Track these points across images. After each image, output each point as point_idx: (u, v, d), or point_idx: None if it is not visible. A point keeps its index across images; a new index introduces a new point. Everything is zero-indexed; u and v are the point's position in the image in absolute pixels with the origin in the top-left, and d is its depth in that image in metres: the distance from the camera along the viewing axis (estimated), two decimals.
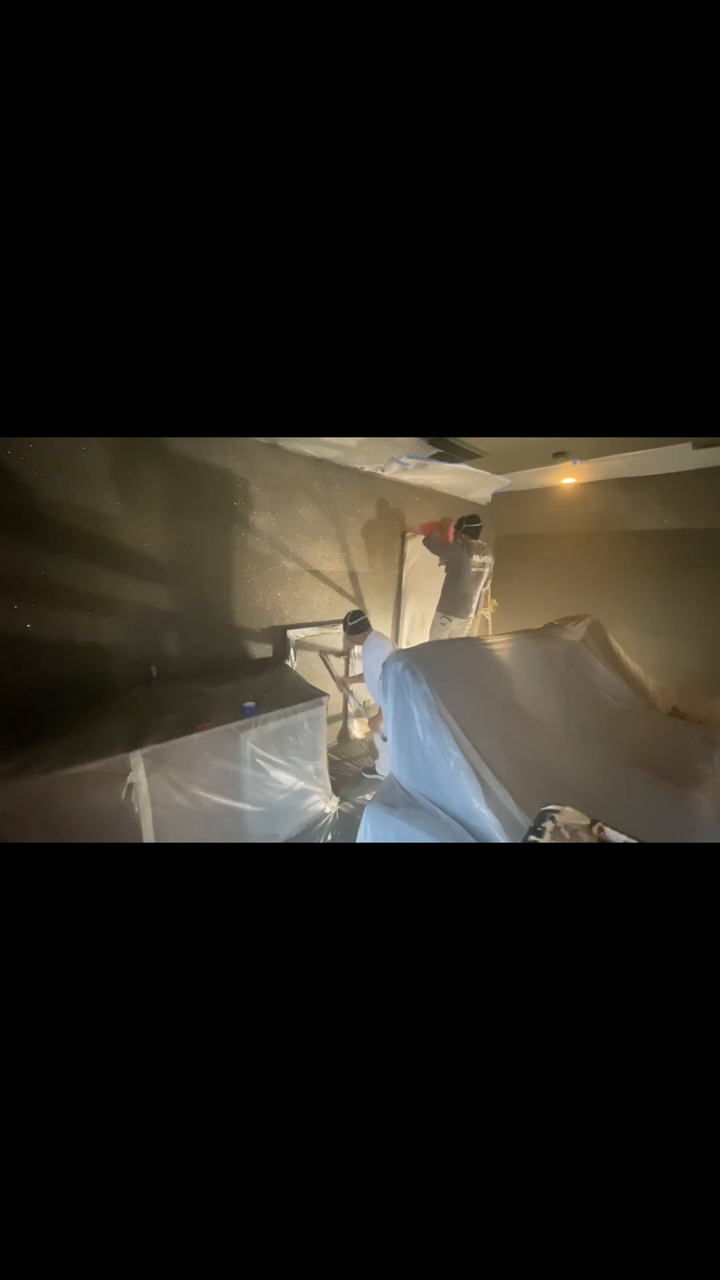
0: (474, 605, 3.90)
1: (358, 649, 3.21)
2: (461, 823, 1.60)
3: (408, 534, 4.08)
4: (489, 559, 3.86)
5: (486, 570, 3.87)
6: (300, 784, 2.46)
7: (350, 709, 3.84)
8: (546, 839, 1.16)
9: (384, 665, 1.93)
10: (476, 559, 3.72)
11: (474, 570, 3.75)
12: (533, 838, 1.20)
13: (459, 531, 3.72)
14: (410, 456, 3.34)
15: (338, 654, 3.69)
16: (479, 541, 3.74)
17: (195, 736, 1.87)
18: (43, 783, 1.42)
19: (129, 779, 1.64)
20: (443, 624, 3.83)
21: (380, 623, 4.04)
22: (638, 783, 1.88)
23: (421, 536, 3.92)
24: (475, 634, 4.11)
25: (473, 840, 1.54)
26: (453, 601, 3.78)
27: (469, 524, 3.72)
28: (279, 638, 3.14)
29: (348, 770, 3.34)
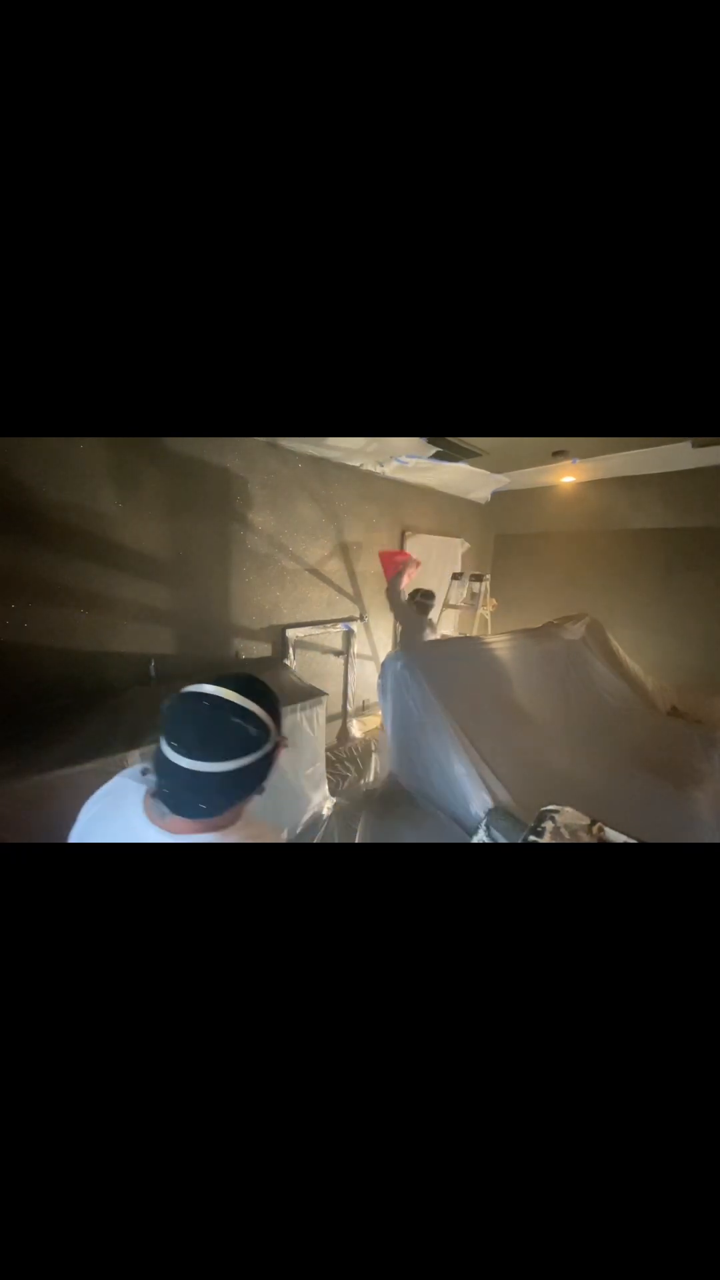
0: None
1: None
2: (461, 823, 1.60)
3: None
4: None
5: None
6: (299, 784, 2.46)
7: (350, 708, 3.81)
8: (546, 839, 1.16)
9: (383, 665, 1.93)
10: (429, 634, 3.25)
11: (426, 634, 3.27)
12: (533, 838, 1.20)
13: (415, 604, 3.23)
14: (410, 456, 3.34)
15: (336, 654, 3.69)
16: (431, 616, 3.27)
17: None
18: (41, 783, 1.42)
19: None
20: None
21: (380, 623, 4.04)
22: (637, 782, 1.88)
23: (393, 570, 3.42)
24: (475, 634, 4.11)
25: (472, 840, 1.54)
26: None
27: (422, 598, 3.25)
28: (278, 637, 3.14)
29: (347, 770, 3.34)
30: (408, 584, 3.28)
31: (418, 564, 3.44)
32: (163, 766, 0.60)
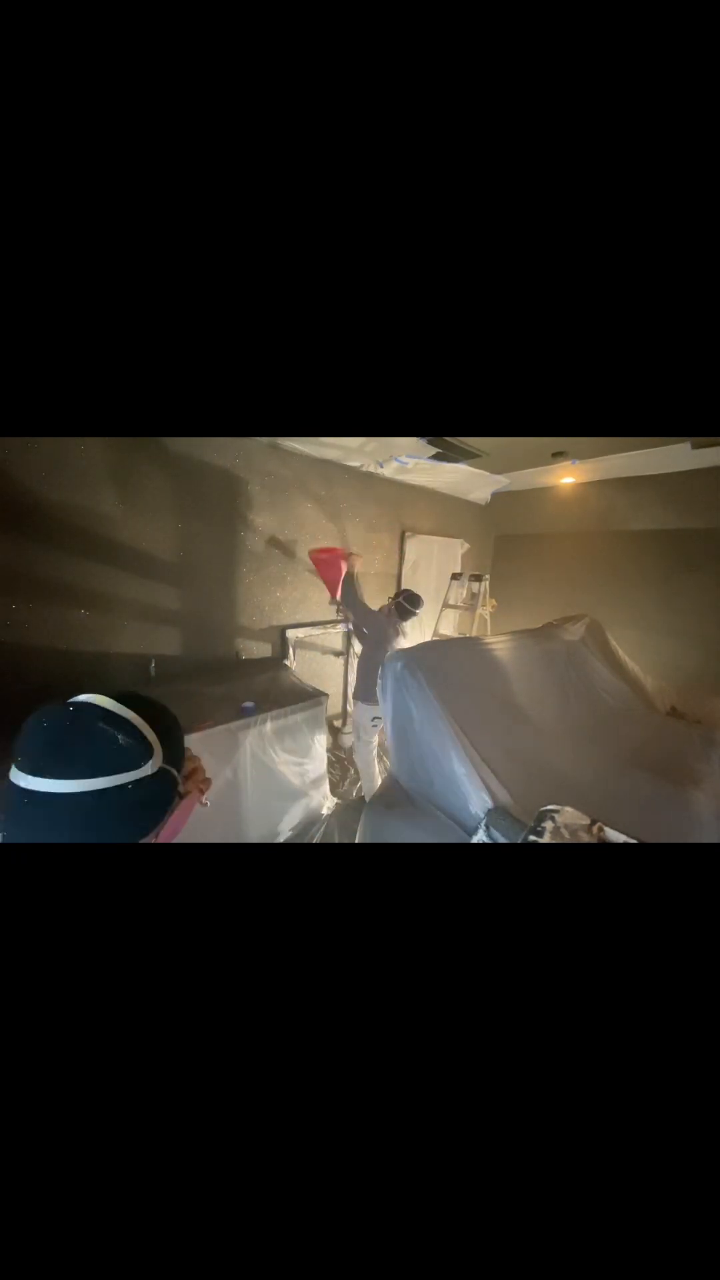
0: None
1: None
2: (461, 823, 1.60)
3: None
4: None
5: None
6: (298, 784, 2.46)
7: (351, 708, 3.80)
8: (546, 839, 1.16)
9: (383, 665, 1.93)
10: (400, 639, 2.87)
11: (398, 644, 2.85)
12: (532, 838, 1.20)
13: (394, 604, 2.88)
14: (410, 456, 3.34)
15: (336, 654, 3.70)
16: (410, 618, 2.91)
17: (193, 736, 1.87)
18: None
19: None
20: (375, 723, 2.84)
21: None
22: (637, 783, 1.88)
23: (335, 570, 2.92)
24: (475, 634, 4.11)
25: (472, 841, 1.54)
26: (371, 685, 2.70)
27: (406, 602, 2.86)
28: (278, 637, 3.15)
29: (347, 770, 3.34)
30: (341, 574, 2.87)
31: (358, 556, 2.96)
32: (8, 798, 0.46)
